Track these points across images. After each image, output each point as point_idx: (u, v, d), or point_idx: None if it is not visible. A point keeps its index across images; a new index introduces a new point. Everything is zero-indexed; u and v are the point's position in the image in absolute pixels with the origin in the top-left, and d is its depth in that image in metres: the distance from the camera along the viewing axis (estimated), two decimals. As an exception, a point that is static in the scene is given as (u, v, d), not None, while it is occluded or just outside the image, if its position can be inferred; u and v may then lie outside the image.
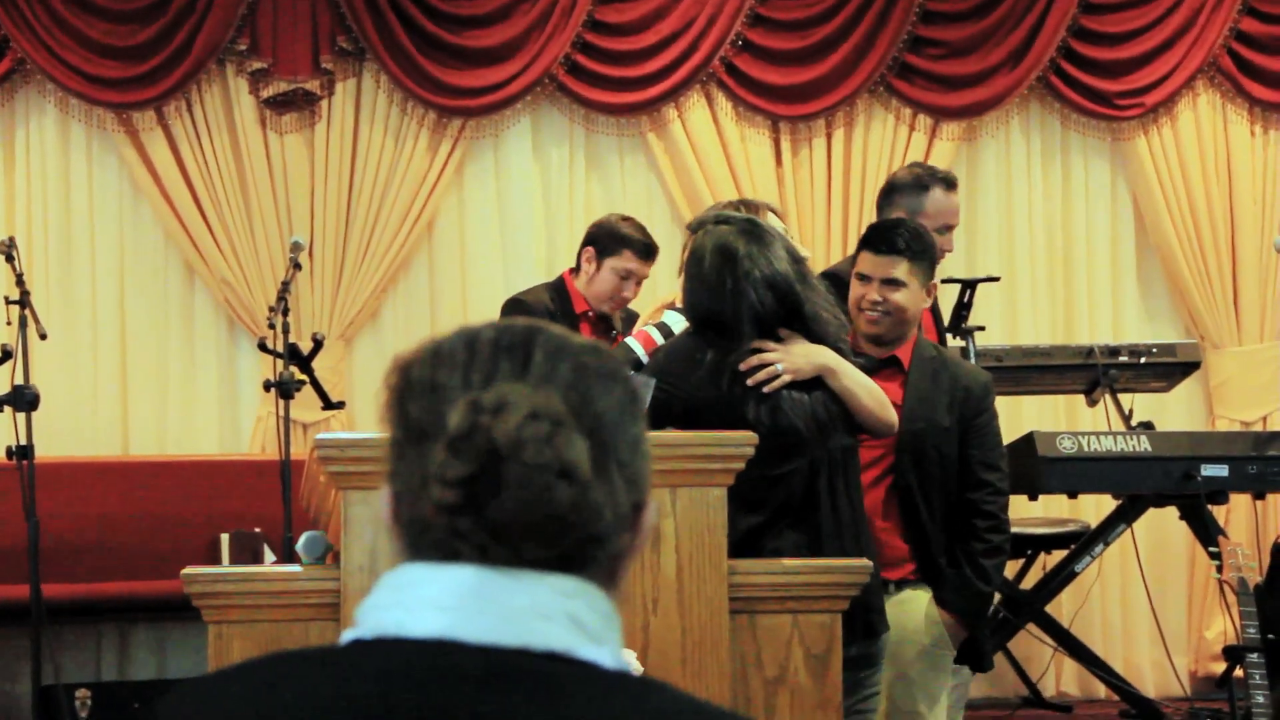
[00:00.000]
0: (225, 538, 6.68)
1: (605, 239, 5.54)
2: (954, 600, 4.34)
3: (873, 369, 4.33)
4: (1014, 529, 6.61)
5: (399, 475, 1.42)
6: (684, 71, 7.62)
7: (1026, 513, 6.91)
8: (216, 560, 6.59)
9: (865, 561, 3.59)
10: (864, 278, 4.42)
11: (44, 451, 7.10)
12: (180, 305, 7.50)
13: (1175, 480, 5.99)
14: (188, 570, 3.36)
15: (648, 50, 7.63)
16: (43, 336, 5.71)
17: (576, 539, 1.39)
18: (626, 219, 5.71)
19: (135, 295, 7.46)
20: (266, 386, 5.82)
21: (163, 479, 7.01)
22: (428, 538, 1.40)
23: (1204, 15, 7.88)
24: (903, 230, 4.45)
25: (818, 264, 7.63)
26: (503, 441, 1.36)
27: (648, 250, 5.56)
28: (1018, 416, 7.61)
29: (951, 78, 7.83)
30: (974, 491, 4.34)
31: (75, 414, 7.32)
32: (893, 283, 4.37)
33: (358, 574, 3.32)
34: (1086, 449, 5.83)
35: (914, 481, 4.34)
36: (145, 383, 7.42)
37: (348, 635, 1.41)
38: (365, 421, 7.39)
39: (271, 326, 5.76)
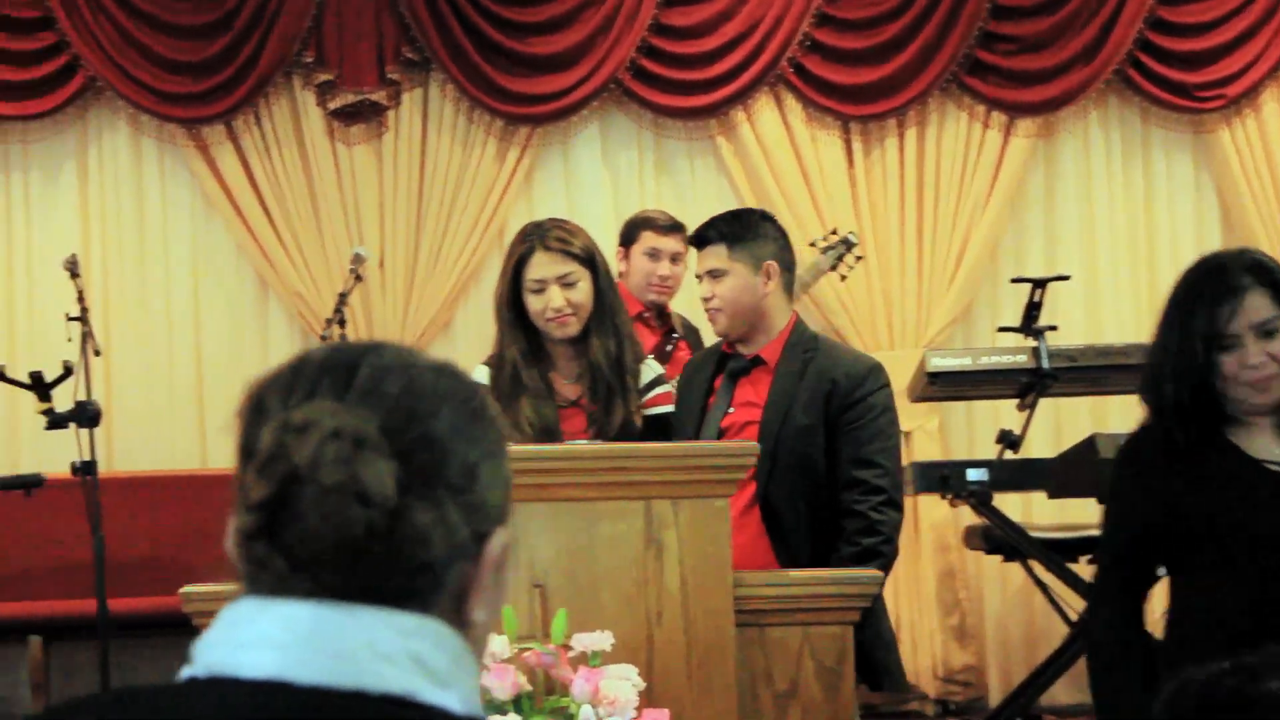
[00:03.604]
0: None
1: (625, 231, 5.70)
2: None
3: (743, 370, 4.21)
4: (1101, 532, 6.56)
5: (235, 502, 1.37)
6: (751, 73, 7.55)
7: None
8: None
9: (876, 573, 3.51)
10: (697, 276, 4.30)
11: (122, 465, 7.22)
12: (254, 317, 7.55)
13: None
14: (186, 589, 3.33)
15: (714, 53, 7.57)
16: (97, 353, 5.76)
17: (399, 568, 1.31)
18: (645, 210, 5.96)
19: (209, 308, 7.52)
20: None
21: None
22: (241, 569, 1.35)
23: (1284, 2, 7.69)
24: (715, 220, 4.27)
25: (890, 264, 7.57)
26: (301, 462, 1.30)
27: (670, 225, 5.61)
28: (1102, 417, 7.48)
29: (1026, 73, 7.69)
30: (846, 491, 4.02)
31: (152, 428, 7.38)
32: (715, 273, 4.19)
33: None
34: (1150, 451, 5.67)
35: (772, 487, 4.06)
36: (221, 395, 7.46)
37: (185, 673, 1.35)
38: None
39: (324, 339, 5.77)
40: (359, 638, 1.30)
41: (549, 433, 4.12)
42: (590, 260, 4.08)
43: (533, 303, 4.09)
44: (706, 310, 4.25)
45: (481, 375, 4.23)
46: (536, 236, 4.09)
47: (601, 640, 3.25)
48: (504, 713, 3.16)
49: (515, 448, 3.87)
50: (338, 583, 1.31)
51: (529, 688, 3.21)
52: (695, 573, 3.37)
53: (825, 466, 4.06)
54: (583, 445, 3.88)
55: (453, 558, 1.34)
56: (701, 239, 4.24)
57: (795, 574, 3.52)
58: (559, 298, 4.04)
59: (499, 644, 3.20)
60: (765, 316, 4.20)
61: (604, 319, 4.08)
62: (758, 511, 4.05)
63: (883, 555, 4.00)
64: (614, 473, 3.43)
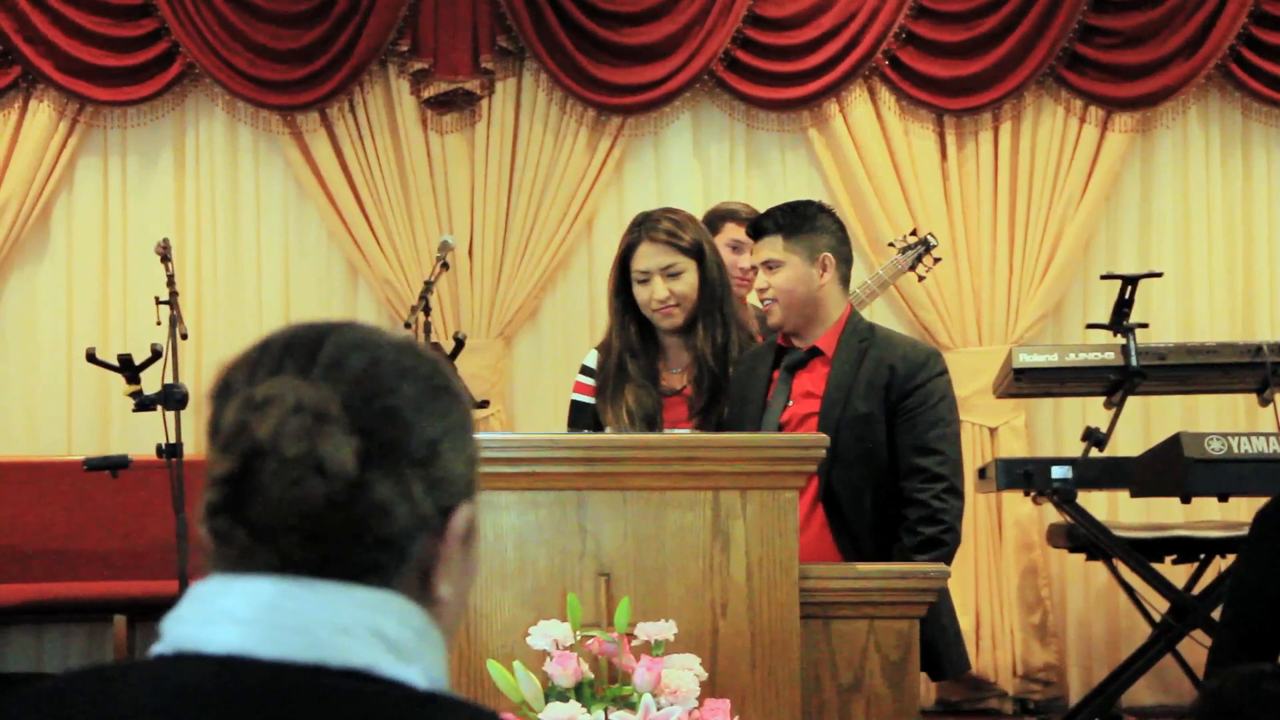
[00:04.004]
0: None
1: (706, 222, 5.65)
2: None
3: (800, 363, 4.16)
4: (1187, 532, 6.49)
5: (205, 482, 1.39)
6: (846, 65, 7.50)
7: (1196, 515, 6.70)
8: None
9: (943, 567, 3.48)
10: (753, 268, 4.28)
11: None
12: (344, 304, 7.60)
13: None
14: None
15: (809, 45, 7.53)
16: (184, 336, 5.80)
17: (361, 542, 1.33)
18: (727, 202, 5.87)
19: (300, 295, 7.57)
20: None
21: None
22: (209, 545, 1.37)
23: (1391, -3, 7.55)
24: (772, 210, 4.24)
25: (980, 259, 7.51)
26: (262, 437, 1.32)
27: (752, 217, 5.62)
28: (1192, 416, 7.39)
29: (1125, 67, 7.59)
30: (907, 479, 3.97)
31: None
32: (770, 264, 4.15)
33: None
34: (1236, 450, 5.58)
35: (834, 477, 3.99)
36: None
37: (154, 649, 1.38)
38: (524, 420, 7.43)
39: (407, 325, 5.79)
40: (319, 612, 1.32)
41: (649, 421, 4.15)
42: (698, 251, 4.17)
43: (639, 293, 4.21)
44: (762, 301, 4.24)
45: (591, 359, 4.30)
46: (645, 227, 4.17)
47: (665, 630, 3.25)
48: (565, 699, 3.17)
49: (573, 435, 3.91)
50: (300, 556, 1.33)
51: (591, 675, 3.21)
52: (762, 564, 3.36)
53: (887, 454, 4.03)
54: (652, 434, 3.88)
55: (416, 531, 1.36)
56: (758, 230, 4.23)
57: (862, 567, 3.51)
58: (662, 289, 4.15)
59: (562, 631, 3.21)
60: (821, 308, 4.17)
61: (712, 310, 4.15)
62: (822, 506, 4.01)
63: (945, 544, 3.95)
64: (683, 462, 3.43)
